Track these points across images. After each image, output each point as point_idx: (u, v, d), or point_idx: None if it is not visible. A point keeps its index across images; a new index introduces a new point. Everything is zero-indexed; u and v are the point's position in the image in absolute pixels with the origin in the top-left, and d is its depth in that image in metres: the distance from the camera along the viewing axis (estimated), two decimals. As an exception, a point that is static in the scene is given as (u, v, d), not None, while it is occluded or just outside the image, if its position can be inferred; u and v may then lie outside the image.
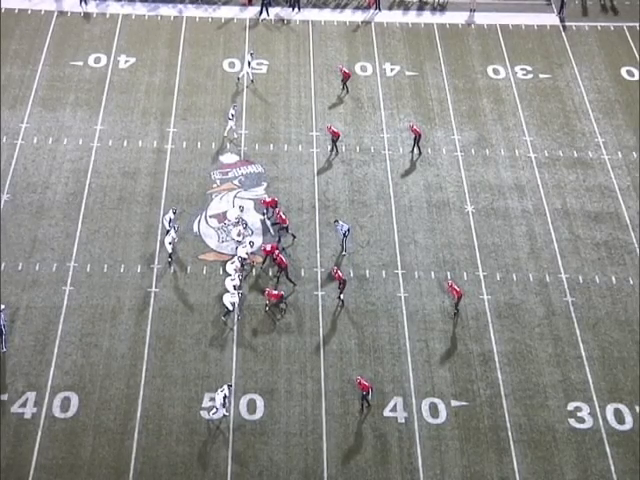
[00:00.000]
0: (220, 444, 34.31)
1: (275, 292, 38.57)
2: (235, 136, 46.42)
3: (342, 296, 39.08)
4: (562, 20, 55.17)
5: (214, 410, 34.93)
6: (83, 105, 48.11)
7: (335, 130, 45.97)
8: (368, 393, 35.09)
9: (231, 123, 46.19)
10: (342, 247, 41.25)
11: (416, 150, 46.15)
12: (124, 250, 40.88)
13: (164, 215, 41.58)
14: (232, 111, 46.21)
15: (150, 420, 34.94)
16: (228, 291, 38.74)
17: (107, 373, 36.33)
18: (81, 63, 50.81)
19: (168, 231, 40.39)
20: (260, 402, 35.71)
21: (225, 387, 34.87)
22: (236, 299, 38.44)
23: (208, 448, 34.19)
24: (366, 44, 53.03)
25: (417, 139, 46.00)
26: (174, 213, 41.15)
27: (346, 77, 49.65)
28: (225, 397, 34.65)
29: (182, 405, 35.42)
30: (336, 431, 34.90)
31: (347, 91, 49.67)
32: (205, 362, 36.86)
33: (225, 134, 46.41)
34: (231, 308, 38.34)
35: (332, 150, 46.05)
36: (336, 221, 41.49)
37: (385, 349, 37.76)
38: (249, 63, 49.26)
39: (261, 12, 54.66)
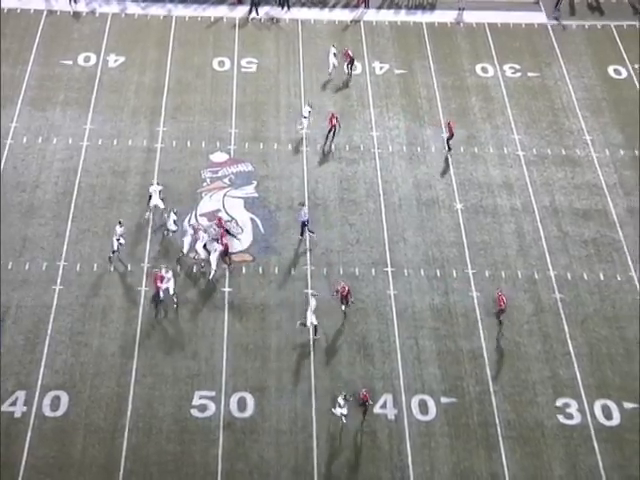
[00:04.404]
0: (210, 442, 34.19)
1: (161, 274, 38.13)
2: (301, 129, 46.37)
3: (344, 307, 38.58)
4: (557, 19, 55.07)
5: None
6: (73, 104, 47.91)
7: (335, 122, 45.81)
8: (367, 403, 34.59)
9: (305, 122, 46.23)
10: (302, 232, 41.01)
11: (447, 147, 46.12)
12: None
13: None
14: (308, 108, 46.29)
15: (140, 418, 34.80)
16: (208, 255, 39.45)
17: (97, 372, 36.17)
18: (71, 62, 50.59)
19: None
20: (250, 400, 35.60)
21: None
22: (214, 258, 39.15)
23: (198, 446, 34.06)
24: (355, 43, 52.90)
25: (449, 137, 45.86)
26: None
27: (350, 60, 49.78)
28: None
29: (172, 403, 35.29)
30: (326, 429, 34.80)
31: (350, 75, 49.88)
32: (195, 360, 36.73)
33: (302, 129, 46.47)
34: (214, 267, 38.94)
35: (326, 140, 45.88)
36: (302, 204, 41.22)
37: (375, 347, 37.68)
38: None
39: (250, 11, 54.52)
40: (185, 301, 38.89)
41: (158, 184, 42.16)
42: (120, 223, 39.91)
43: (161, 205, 41.72)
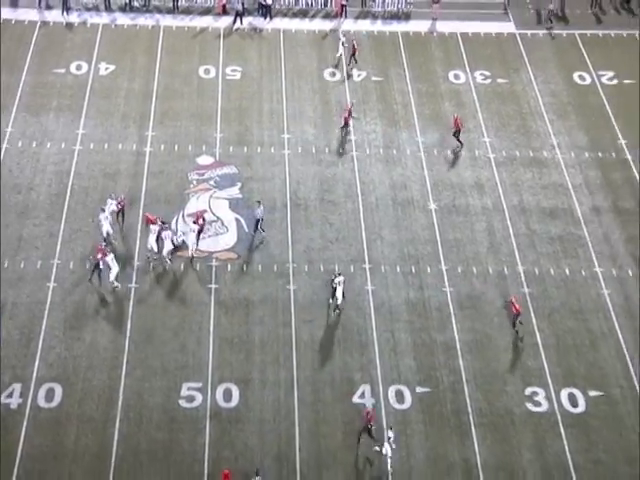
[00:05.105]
0: (198, 431, 34.09)
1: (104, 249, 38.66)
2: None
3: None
4: (549, 29, 55.18)
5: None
6: (65, 110, 47.72)
7: (347, 116, 46.55)
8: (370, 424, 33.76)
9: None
10: (255, 228, 41.15)
11: (459, 143, 46.54)
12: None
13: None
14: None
15: (131, 409, 34.67)
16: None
17: (90, 365, 36.02)
18: (63, 70, 50.38)
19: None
20: (235, 391, 35.55)
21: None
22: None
23: (186, 435, 33.95)
24: (334, 51, 52.84)
25: (457, 132, 46.18)
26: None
27: (353, 52, 51.09)
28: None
29: (161, 394, 35.18)
30: (307, 417, 34.78)
31: (355, 62, 51.16)
32: (183, 353, 36.64)
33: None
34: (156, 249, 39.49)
35: (343, 129, 46.86)
36: (259, 202, 41.42)
37: (354, 339, 37.68)
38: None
39: (235, 21, 54.41)
40: (173, 297, 38.81)
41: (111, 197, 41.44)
42: (103, 210, 40.20)
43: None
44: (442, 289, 39.82)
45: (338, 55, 51.80)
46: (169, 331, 37.51)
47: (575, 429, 34.83)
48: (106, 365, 36.07)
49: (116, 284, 38.57)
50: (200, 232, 40.58)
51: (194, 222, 40.79)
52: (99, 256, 38.39)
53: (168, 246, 39.72)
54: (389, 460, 32.87)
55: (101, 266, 38.49)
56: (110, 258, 38.46)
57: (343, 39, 52.05)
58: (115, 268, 38.45)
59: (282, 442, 34.01)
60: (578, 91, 51.26)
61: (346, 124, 47.13)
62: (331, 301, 38.26)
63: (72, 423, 34.15)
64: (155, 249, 39.73)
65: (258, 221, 41.27)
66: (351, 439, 34.10)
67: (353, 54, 51.39)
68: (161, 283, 39.36)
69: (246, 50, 52.83)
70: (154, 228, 39.78)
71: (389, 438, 32.99)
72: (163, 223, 40.34)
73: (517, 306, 37.77)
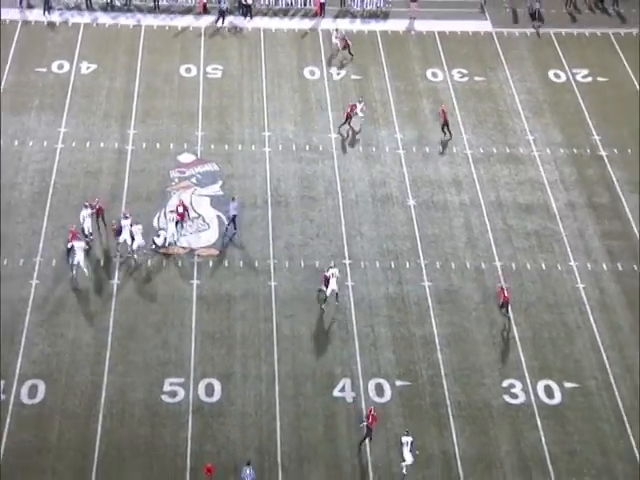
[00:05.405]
0: (180, 425, 33.95)
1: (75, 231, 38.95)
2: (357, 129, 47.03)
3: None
4: (536, 27, 55.27)
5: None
6: (47, 109, 47.40)
7: (349, 111, 46.45)
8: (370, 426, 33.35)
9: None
10: (233, 227, 41.08)
11: (447, 134, 46.83)
12: (88, 245, 40.33)
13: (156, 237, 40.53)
14: (362, 106, 46.73)
15: (114, 405, 34.48)
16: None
17: (72, 361, 35.79)
18: (45, 69, 50.06)
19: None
20: (217, 385, 35.42)
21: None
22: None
23: (169, 429, 33.80)
24: (314, 50, 52.86)
25: (445, 123, 46.41)
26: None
27: (345, 45, 51.50)
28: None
29: (144, 390, 35.00)
30: (289, 411, 34.71)
31: (351, 55, 51.73)
32: (165, 349, 36.48)
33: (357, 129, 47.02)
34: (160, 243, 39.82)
35: (345, 124, 46.90)
36: (233, 199, 41.30)
37: (334, 334, 37.63)
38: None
39: (217, 20, 54.16)
40: (155, 294, 38.64)
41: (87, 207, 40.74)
42: (86, 207, 40.02)
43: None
44: (421, 284, 39.83)
45: (333, 47, 52.09)
46: (151, 327, 37.34)
47: (551, 420, 34.94)
48: (89, 361, 35.85)
49: (85, 271, 38.49)
50: (182, 219, 40.44)
51: (172, 211, 40.67)
52: (69, 236, 38.33)
53: (139, 240, 39.51)
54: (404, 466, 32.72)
55: (68, 245, 38.37)
56: (78, 245, 38.22)
57: (335, 33, 52.14)
58: (80, 256, 38.14)
59: (264, 436, 33.93)
60: (553, 89, 51.41)
61: (348, 118, 46.72)
62: (324, 288, 38.11)
63: (55, 419, 33.92)
64: (129, 243, 39.54)
65: (233, 217, 41.07)
66: (332, 432, 34.08)
67: (345, 48, 51.44)
68: (143, 279, 39.17)
69: (227, 49, 52.65)
70: (125, 223, 39.53)
71: (407, 443, 32.60)
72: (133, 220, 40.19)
73: (506, 294, 37.84)
